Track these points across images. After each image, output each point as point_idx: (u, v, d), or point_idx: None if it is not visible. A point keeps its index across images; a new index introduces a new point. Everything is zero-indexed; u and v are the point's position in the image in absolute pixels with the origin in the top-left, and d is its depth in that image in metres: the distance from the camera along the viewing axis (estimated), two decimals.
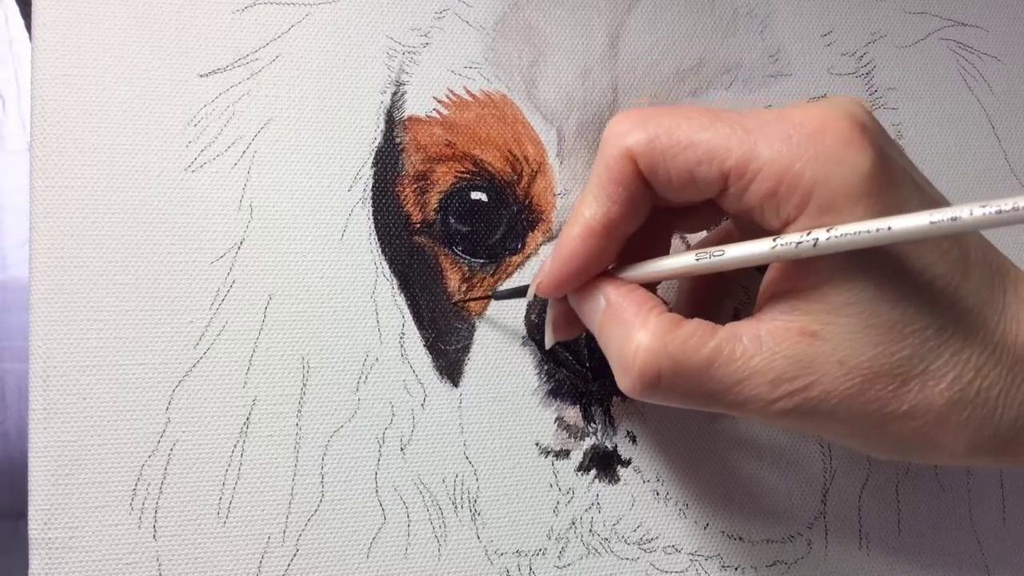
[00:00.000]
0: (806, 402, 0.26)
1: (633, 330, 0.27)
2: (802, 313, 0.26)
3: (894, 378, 0.25)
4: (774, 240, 0.25)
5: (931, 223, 0.23)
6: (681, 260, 0.28)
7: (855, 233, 0.24)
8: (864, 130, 0.25)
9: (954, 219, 0.23)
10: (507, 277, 0.35)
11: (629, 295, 0.28)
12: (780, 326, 0.26)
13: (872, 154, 0.25)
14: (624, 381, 0.27)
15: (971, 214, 0.22)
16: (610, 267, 0.30)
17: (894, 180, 0.25)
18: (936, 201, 0.27)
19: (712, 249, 0.27)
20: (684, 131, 0.27)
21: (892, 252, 0.25)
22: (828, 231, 0.24)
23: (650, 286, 0.30)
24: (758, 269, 0.34)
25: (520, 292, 0.33)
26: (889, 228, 0.23)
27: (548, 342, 0.32)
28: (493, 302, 0.35)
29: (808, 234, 0.25)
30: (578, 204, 0.29)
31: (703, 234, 0.35)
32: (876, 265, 0.25)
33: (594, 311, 0.29)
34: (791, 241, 0.25)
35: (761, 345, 0.26)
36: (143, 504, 0.31)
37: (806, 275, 0.26)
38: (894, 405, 0.25)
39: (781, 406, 0.26)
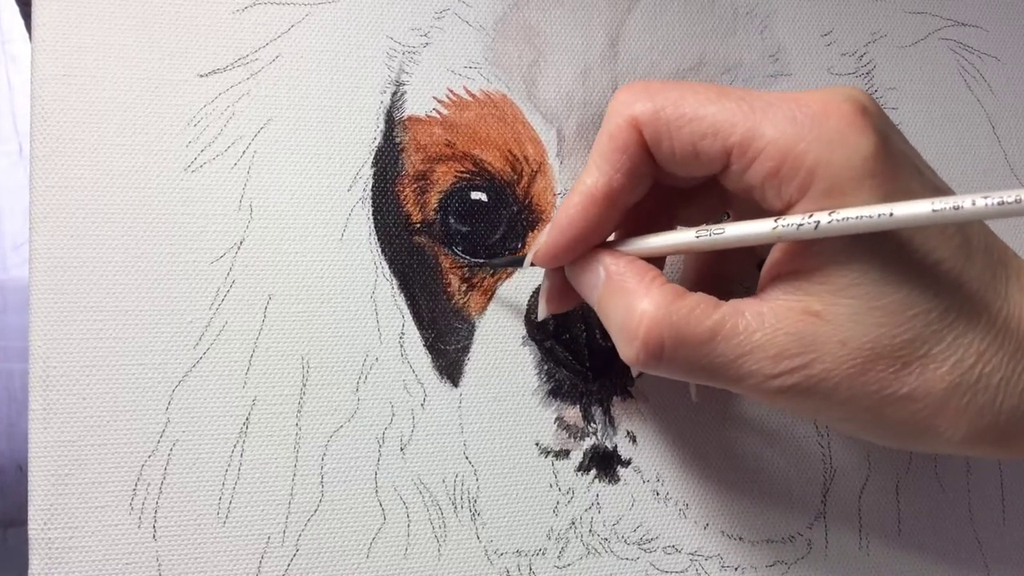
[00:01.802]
0: (806, 380, 0.26)
1: (636, 299, 0.27)
2: (805, 293, 0.26)
3: (895, 360, 0.25)
4: (776, 221, 0.25)
5: (933, 211, 0.23)
6: (681, 236, 0.28)
7: (857, 217, 0.24)
8: (866, 114, 0.25)
9: (956, 208, 0.23)
10: (507, 277, 0.35)
11: (630, 265, 0.28)
12: (783, 304, 0.26)
13: (875, 137, 0.25)
14: (627, 350, 0.27)
15: (973, 204, 0.22)
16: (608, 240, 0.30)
17: (897, 163, 0.25)
18: (937, 186, 0.27)
19: (712, 227, 0.27)
20: (690, 104, 0.27)
21: (896, 235, 0.25)
22: (830, 214, 0.24)
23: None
24: (758, 266, 0.34)
25: (517, 261, 0.33)
26: (891, 214, 0.23)
27: (541, 314, 0.32)
28: (493, 303, 0.35)
29: (810, 216, 0.25)
30: (580, 176, 0.29)
31: None
32: (880, 248, 0.25)
33: (593, 282, 0.29)
34: (792, 223, 0.25)
35: (764, 321, 0.26)
36: (143, 504, 0.31)
37: (810, 256, 0.26)
38: (894, 387, 0.25)
39: (781, 382, 0.26)
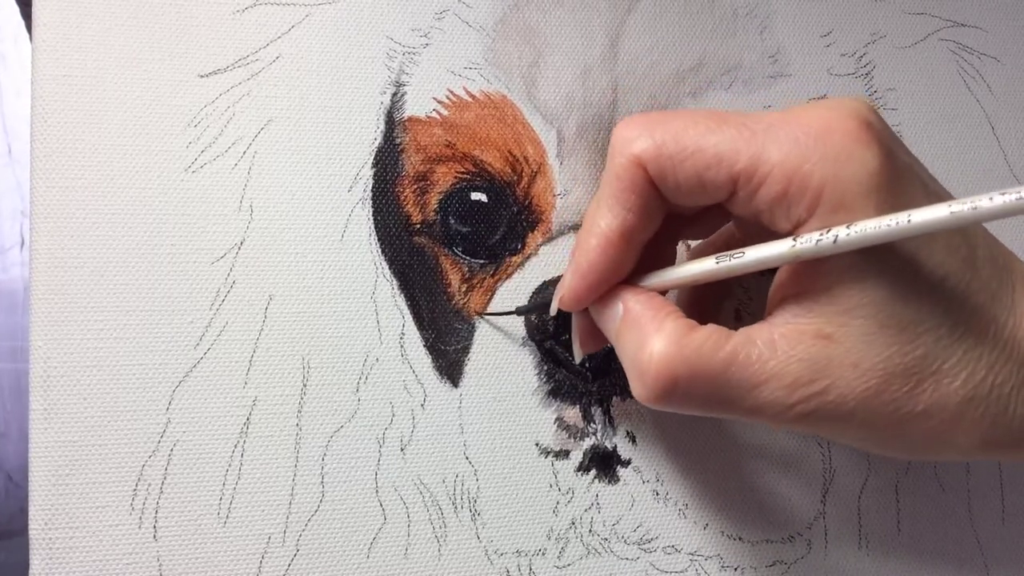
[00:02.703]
0: (823, 406, 0.25)
1: (648, 335, 0.27)
2: (816, 315, 0.26)
3: (909, 378, 0.25)
4: (794, 240, 0.25)
5: (951, 213, 0.23)
6: (701, 265, 0.28)
7: (875, 227, 0.24)
8: (870, 128, 0.25)
9: (974, 208, 0.22)
10: (507, 277, 0.35)
11: (647, 302, 0.28)
12: (793, 329, 0.26)
13: (879, 151, 0.25)
14: (639, 388, 0.27)
15: (991, 201, 0.22)
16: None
17: (902, 177, 0.25)
18: (942, 197, 0.27)
19: (732, 252, 0.27)
20: (691, 136, 0.27)
21: (902, 251, 0.25)
22: (848, 227, 0.24)
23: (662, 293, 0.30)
24: (760, 272, 0.34)
25: (543, 307, 0.33)
26: (909, 220, 0.23)
27: (577, 357, 0.32)
28: (494, 303, 0.35)
29: (828, 231, 0.24)
30: (590, 215, 0.29)
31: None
32: (888, 265, 0.25)
33: (612, 319, 0.29)
34: (811, 239, 0.25)
35: (776, 349, 0.26)
36: (143, 504, 0.31)
37: (818, 277, 0.26)
38: (910, 405, 0.25)
39: (799, 411, 0.26)
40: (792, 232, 0.26)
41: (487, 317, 0.34)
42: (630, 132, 0.27)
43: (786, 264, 0.26)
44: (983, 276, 0.26)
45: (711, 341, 0.26)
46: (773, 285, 0.28)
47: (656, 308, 0.28)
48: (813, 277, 0.26)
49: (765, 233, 0.27)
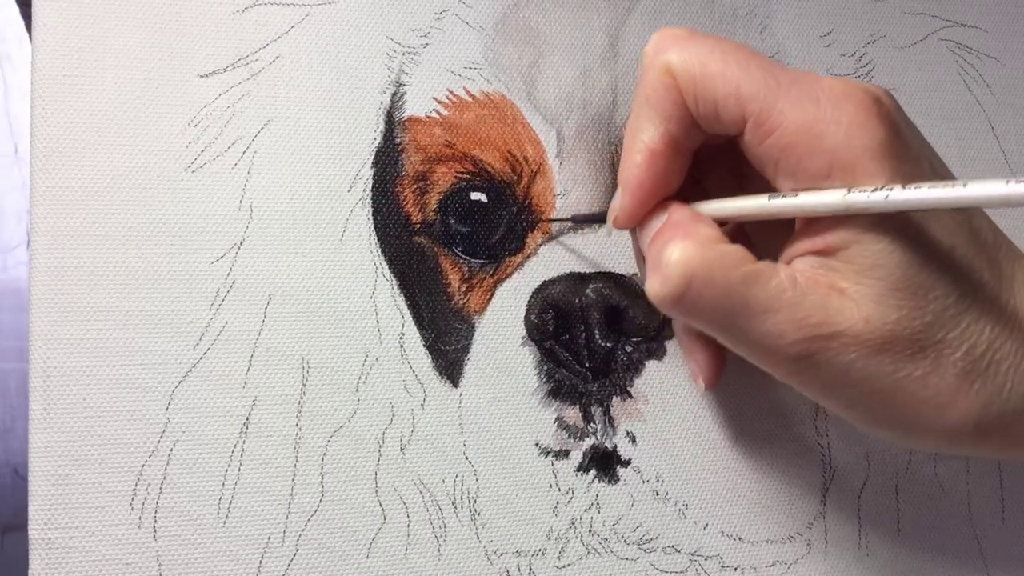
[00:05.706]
0: (823, 351, 0.26)
1: (678, 236, 0.27)
2: (830, 270, 0.26)
3: (912, 343, 0.26)
4: (847, 190, 0.25)
5: (1009, 187, 0.22)
6: (753, 200, 0.28)
7: (929, 187, 0.24)
8: (881, 105, 0.26)
9: None
10: (507, 277, 0.35)
11: (692, 215, 0.28)
12: (811, 276, 0.26)
13: (888, 125, 0.26)
14: (655, 283, 0.27)
15: None
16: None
17: (909, 153, 0.26)
18: (946, 178, 0.27)
19: (785, 192, 0.27)
20: (717, 61, 0.27)
21: (915, 221, 0.26)
22: (904, 187, 0.24)
23: None
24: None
25: (600, 218, 0.33)
26: (965, 185, 0.23)
27: (644, 281, 0.32)
28: (493, 303, 0.35)
29: (880, 188, 0.25)
30: (630, 133, 0.29)
31: None
32: (903, 231, 0.26)
33: (653, 228, 0.29)
34: (863, 191, 0.25)
35: (795, 284, 0.26)
36: (143, 504, 0.31)
37: (835, 234, 0.26)
38: (908, 370, 0.26)
39: (799, 350, 0.26)
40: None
41: (488, 314, 0.34)
42: (661, 45, 0.28)
43: (834, 213, 0.26)
44: (987, 255, 0.27)
45: (737, 255, 0.27)
46: (793, 237, 0.28)
47: (696, 218, 0.28)
48: (830, 235, 0.26)
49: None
